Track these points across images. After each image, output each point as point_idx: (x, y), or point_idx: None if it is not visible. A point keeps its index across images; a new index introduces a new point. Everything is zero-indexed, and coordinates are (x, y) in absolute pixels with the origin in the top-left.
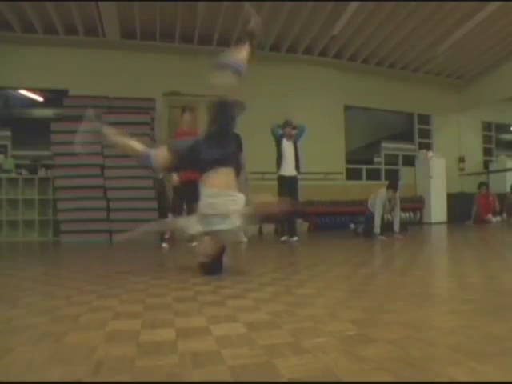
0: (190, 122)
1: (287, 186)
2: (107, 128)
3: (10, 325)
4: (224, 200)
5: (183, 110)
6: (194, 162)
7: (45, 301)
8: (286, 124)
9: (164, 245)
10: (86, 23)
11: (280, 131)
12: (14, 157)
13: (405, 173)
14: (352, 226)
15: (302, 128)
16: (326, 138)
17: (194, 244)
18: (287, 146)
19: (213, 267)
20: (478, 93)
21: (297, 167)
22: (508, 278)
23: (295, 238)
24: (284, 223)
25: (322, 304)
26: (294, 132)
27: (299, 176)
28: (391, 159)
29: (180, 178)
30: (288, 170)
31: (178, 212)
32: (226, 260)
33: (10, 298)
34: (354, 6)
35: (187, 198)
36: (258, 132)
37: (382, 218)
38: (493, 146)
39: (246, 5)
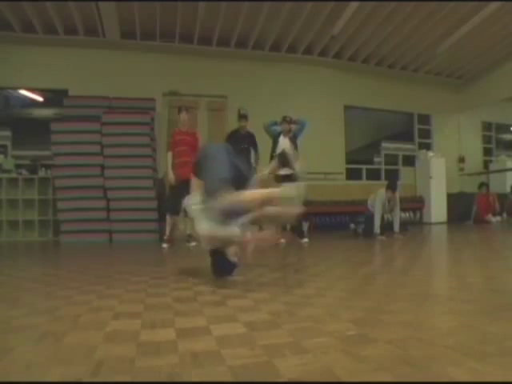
0: (187, 122)
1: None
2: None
3: (10, 325)
4: None
5: (179, 109)
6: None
7: (45, 301)
8: (284, 120)
9: (164, 245)
10: (86, 23)
11: (278, 128)
12: (14, 157)
13: (405, 173)
14: (352, 225)
15: (303, 123)
16: (325, 138)
17: (193, 244)
18: (283, 144)
19: (224, 268)
20: (478, 93)
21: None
22: (508, 277)
23: (305, 240)
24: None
25: (322, 304)
26: (292, 127)
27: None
28: (391, 159)
29: (177, 178)
30: (283, 168)
31: (175, 211)
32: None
33: (10, 298)
34: (354, 5)
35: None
36: (257, 132)
37: (382, 218)
38: (493, 146)
39: None
